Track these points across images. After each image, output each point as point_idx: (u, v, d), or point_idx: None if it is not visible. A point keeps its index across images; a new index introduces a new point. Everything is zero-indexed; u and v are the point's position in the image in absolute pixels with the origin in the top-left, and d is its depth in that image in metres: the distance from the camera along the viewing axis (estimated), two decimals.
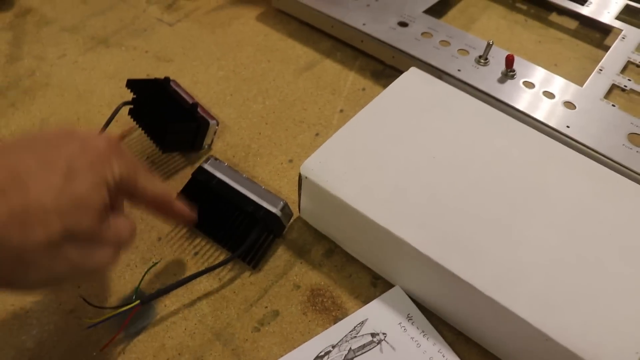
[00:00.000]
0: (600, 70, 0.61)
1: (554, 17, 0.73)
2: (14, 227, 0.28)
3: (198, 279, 0.45)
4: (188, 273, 0.45)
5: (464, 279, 0.38)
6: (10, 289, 0.31)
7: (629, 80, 0.60)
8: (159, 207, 0.39)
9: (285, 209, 0.46)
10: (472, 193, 0.42)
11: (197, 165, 0.52)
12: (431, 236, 0.40)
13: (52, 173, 0.30)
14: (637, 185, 0.44)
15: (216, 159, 0.48)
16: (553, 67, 0.64)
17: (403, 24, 0.63)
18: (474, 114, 0.49)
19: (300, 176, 0.44)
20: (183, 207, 0.41)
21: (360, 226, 0.42)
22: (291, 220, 0.48)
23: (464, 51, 0.60)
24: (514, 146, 0.46)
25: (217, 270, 0.45)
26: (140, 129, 0.53)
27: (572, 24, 0.72)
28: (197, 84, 0.61)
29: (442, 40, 0.61)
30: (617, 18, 0.69)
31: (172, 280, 0.44)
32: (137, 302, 0.41)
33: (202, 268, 0.44)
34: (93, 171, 0.32)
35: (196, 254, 0.46)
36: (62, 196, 0.30)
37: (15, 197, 0.29)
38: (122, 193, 0.35)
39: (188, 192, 0.47)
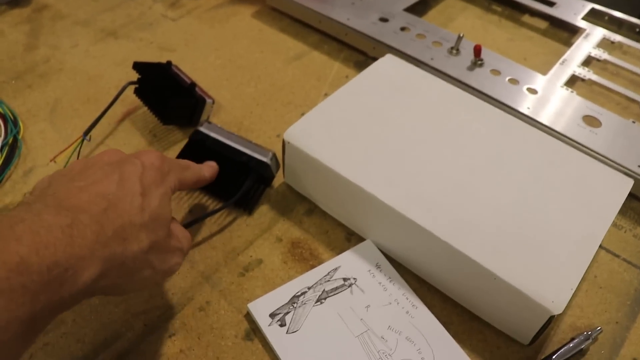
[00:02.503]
0: (563, 62, 0.67)
1: (526, 18, 0.80)
2: (117, 242, 0.34)
3: (191, 233, 0.50)
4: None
5: (425, 227, 0.43)
6: (114, 294, 0.38)
7: (589, 71, 0.66)
8: (196, 185, 0.47)
9: (274, 159, 0.52)
10: (435, 156, 0.48)
11: None
12: (397, 191, 0.45)
13: (132, 194, 0.37)
14: (582, 154, 0.50)
15: (210, 122, 0.54)
16: (522, 60, 0.70)
17: (384, 20, 0.70)
18: (441, 93, 0.55)
19: (283, 142, 0.50)
20: (210, 172, 0.48)
21: (336, 185, 0.48)
22: (277, 182, 0.54)
23: (437, 43, 0.67)
24: (476, 119, 0.52)
25: (209, 224, 0.51)
26: (145, 105, 0.59)
27: (543, 24, 0.79)
28: (196, 70, 0.67)
29: (419, 34, 0.68)
30: (583, 19, 0.75)
31: None
32: None
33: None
34: (159, 186, 0.39)
35: (191, 211, 0.52)
36: (144, 213, 0.36)
37: (114, 218, 0.35)
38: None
39: (186, 153, 0.53)
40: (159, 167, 0.40)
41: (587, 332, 0.44)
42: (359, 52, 0.71)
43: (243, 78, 0.67)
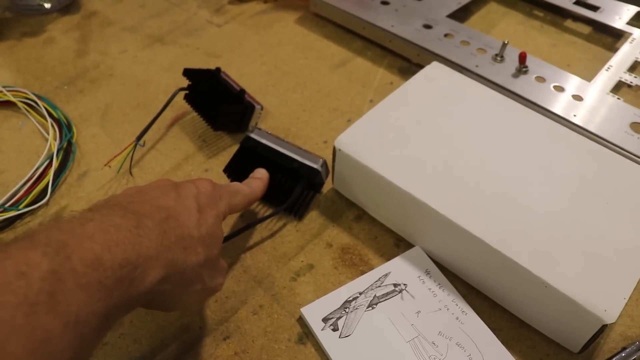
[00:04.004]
0: (609, 68, 0.67)
1: (569, 23, 0.79)
2: (179, 249, 0.35)
3: (243, 237, 0.51)
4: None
5: (476, 235, 0.44)
6: (164, 305, 0.38)
7: (635, 77, 0.66)
8: (247, 207, 0.49)
9: (324, 165, 0.53)
10: (484, 164, 0.49)
11: None
12: (448, 199, 0.46)
13: (189, 210, 0.38)
14: (631, 162, 0.50)
15: (260, 128, 0.55)
16: (566, 67, 0.70)
17: (427, 26, 0.70)
18: (488, 100, 0.55)
19: (334, 149, 0.51)
20: (262, 187, 0.50)
21: (386, 192, 0.49)
22: (326, 187, 0.55)
23: (482, 50, 0.67)
24: (524, 127, 0.52)
25: (260, 229, 0.52)
26: (194, 111, 0.61)
27: (586, 29, 0.78)
28: (242, 76, 0.68)
29: (463, 41, 0.68)
30: (628, 23, 0.74)
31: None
32: None
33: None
34: (212, 208, 0.40)
35: (242, 216, 0.53)
36: (201, 228, 0.38)
37: (175, 227, 0.36)
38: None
39: (238, 158, 0.54)
40: (211, 192, 0.41)
41: (639, 342, 0.44)
42: (403, 59, 0.71)
43: (289, 84, 0.68)
